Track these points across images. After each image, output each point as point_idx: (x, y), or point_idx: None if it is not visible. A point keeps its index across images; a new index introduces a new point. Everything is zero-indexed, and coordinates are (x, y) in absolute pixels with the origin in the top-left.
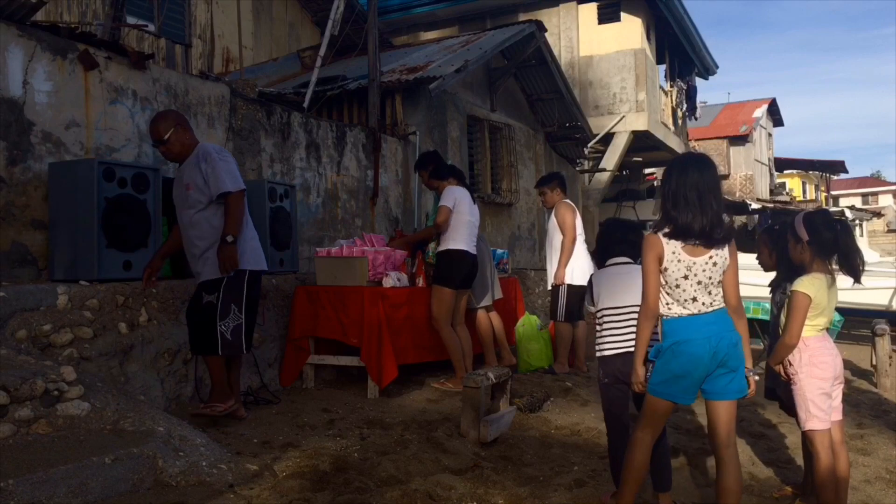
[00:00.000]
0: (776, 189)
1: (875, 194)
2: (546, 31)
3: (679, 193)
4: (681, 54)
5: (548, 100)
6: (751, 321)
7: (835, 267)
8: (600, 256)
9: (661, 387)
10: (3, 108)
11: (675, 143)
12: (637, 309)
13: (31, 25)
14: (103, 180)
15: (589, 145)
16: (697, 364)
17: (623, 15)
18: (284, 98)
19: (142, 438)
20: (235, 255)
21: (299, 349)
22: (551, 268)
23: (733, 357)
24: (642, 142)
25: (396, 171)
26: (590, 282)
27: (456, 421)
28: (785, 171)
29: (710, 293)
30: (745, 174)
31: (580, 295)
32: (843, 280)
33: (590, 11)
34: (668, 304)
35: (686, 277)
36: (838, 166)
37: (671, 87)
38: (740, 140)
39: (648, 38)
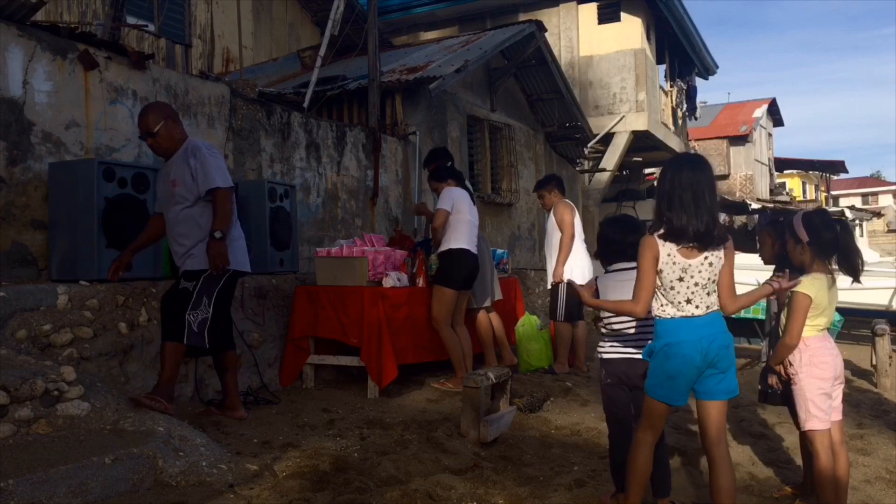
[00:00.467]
0: (776, 189)
1: (875, 194)
2: (546, 31)
3: (673, 194)
4: (681, 54)
5: (548, 100)
6: (751, 321)
7: (834, 267)
8: (606, 258)
9: (657, 388)
10: (3, 108)
11: (675, 143)
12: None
13: (31, 25)
14: (103, 180)
15: (589, 145)
16: (689, 365)
17: (623, 15)
18: (284, 98)
19: (142, 438)
20: (225, 250)
21: (299, 349)
22: (550, 268)
23: (724, 358)
24: (642, 142)
25: (396, 171)
26: (595, 286)
27: (456, 421)
28: (785, 171)
29: (707, 294)
30: (745, 174)
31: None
32: (843, 280)
33: (590, 11)
34: (662, 304)
35: (681, 279)
36: (838, 166)
37: (671, 87)
38: (740, 140)
39: (648, 38)
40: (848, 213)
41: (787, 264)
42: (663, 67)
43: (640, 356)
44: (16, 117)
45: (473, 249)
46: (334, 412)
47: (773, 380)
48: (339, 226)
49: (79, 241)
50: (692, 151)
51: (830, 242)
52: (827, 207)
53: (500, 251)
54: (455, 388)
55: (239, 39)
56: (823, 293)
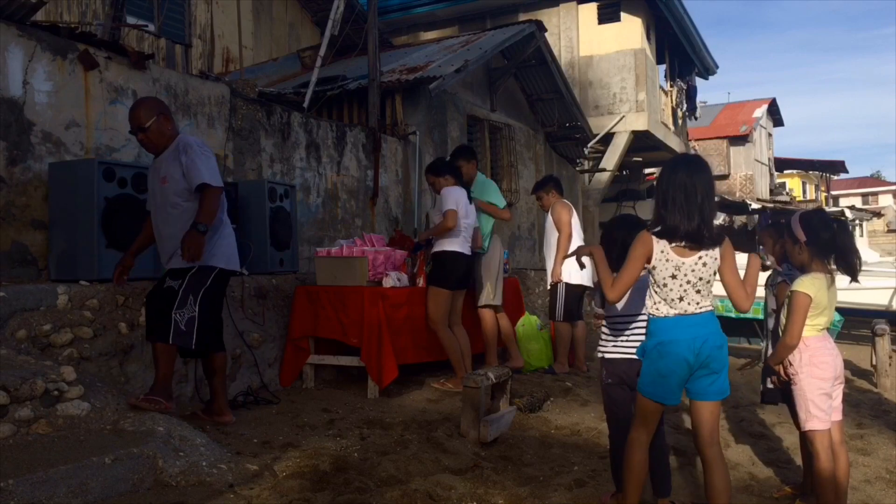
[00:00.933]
0: (776, 189)
1: (875, 194)
2: (546, 31)
3: (668, 194)
4: (681, 54)
5: (548, 100)
6: (751, 321)
7: (833, 267)
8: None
9: (649, 387)
10: (3, 108)
11: (675, 143)
12: (646, 315)
13: (31, 25)
14: (103, 180)
15: (589, 145)
16: (681, 364)
17: (623, 15)
18: (284, 98)
19: (142, 438)
20: (202, 244)
21: (299, 349)
22: (549, 268)
23: (716, 359)
24: (642, 142)
25: (396, 171)
26: (598, 284)
27: (456, 421)
28: (785, 171)
29: (699, 292)
30: (745, 174)
31: (578, 294)
32: (843, 280)
33: (590, 11)
34: (655, 302)
35: (674, 277)
36: (838, 166)
37: (671, 87)
38: (740, 140)
39: (648, 38)
40: (848, 213)
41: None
42: (663, 67)
43: (635, 357)
44: (16, 117)
45: (466, 251)
46: (334, 412)
47: (772, 379)
48: (339, 226)
49: (79, 241)
50: (692, 151)
51: (828, 242)
52: (827, 207)
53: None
54: (455, 388)
55: (239, 39)
56: (823, 293)
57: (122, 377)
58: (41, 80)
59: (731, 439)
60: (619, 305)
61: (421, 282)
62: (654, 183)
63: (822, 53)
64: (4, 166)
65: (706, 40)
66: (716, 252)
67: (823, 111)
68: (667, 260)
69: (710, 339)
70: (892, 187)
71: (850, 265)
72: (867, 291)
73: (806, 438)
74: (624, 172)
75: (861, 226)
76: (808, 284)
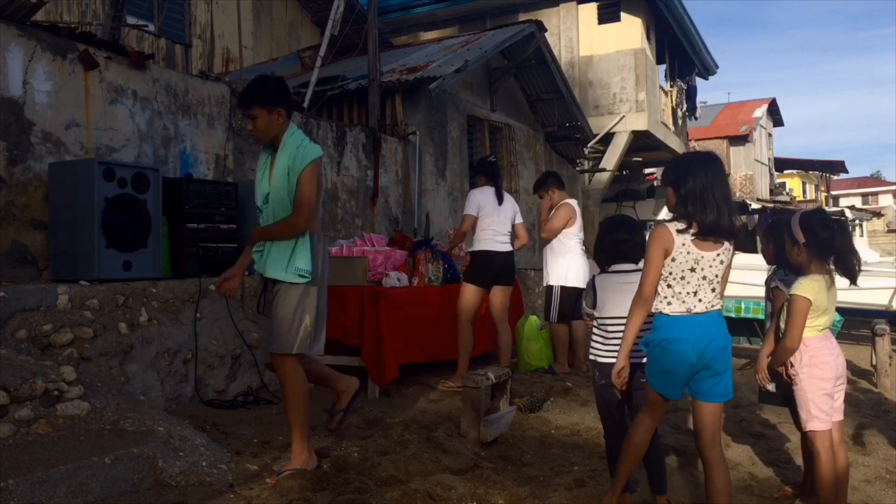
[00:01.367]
0: (776, 189)
1: (875, 194)
2: (546, 31)
3: (691, 191)
4: (681, 54)
5: (548, 100)
6: (751, 321)
7: (832, 267)
8: (603, 258)
9: (653, 379)
10: (3, 108)
11: (675, 143)
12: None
13: (31, 25)
14: (103, 180)
15: (589, 145)
16: (684, 363)
17: (623, 15)
18: None
19: (142, 438)
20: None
21: None
22: (548, 268)
23: (720, 360)
24: (642, 142)
25: (396, 171)
26: (592, 284)
27: (456, 421)
28: (785, 171)
29: (713, 290)
30: (745, 174)
31: (573, 296)
32: (843, 279)
33: (590, 11)
34: (666, 297)
35: (693, 270)
36: (838, 166)
37: (671, 87)
38: (740, 140)
39: (648, 38)
40: (848, 213)
41: (785, 265)
42: (663, 67)
43: (633, 359)
44: (16, 117)
45: (500, 248)
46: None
47: (763, 378)
48: (339, 226)
49: (79, 241)
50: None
51: (826, 243)
52: (827, 207)
53: None
54: (455, 387)
55: (239, 39)
56: (822, 294)
57: (122, 377)
58: (41, 80)
59: (731, 439)
60: (607, 308)
61: (417, 281)
62: (660, 182)
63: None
64: (4, 166)
65: (706, 40)
66: (730, 249)
67: (823, 111)
68: (688, 252)
69: (716, 340)
70: (892, 187)
71: (849, 267)
72: (867, 291)
73: (807, 439)
74: (624, 172)
75: (861, 226)
76: (806, 287)
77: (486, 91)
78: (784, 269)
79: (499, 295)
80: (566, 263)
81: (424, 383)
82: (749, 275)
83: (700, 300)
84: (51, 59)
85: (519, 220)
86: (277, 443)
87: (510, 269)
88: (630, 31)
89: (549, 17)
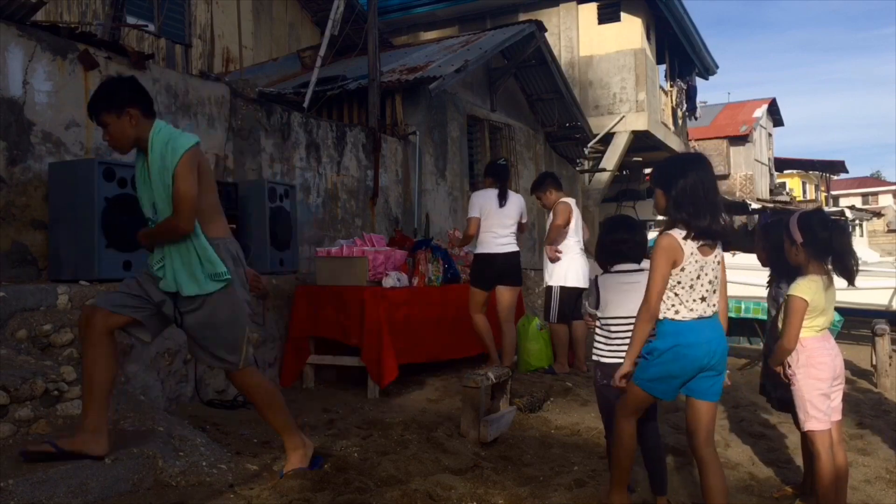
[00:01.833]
0: (776, 189)
1: (875, 194)
2: (546, 31)
3: (686, 195)
4: (681, 54)
5: (548, 100)
6: (751, 321)
7: (830, 268)
8: (606, 258)
9: (652, 383)
10: (3, 108)
11: (675, 143)
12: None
13: (31, 25)
14: (103, 180)
15: (589, 145)
16: (695, 367)
17: (623, 15)
18: (284, 98)
19: (142, 438)
20: None
21: (299, 349)
22: (547, 268)
23: (722, 361)
24: (642, 142)
25: (396, 171)
26: (595, 284)
27: (456, 421)
28: (785, 171)
29: (715, 292)
30: (745, 174)
31: (573, 296)
32: (842, 280)
33: (590, 11)
34: (673, 305)
35: (699, 277)
36: (838, 166)
37: (671, 87)
38: (740, 140)
39: (648, 38)
40: (848, 213)
41: (780, 265)
42: (663, 67)
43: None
44: (16, 117)
45: (500, 250)
46: (334, 412)
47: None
48: (339, 226)
49: (79, 241)
50: (692, 150)
51: (824, 243)
52: (827, 207)
53: None
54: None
55: (239, 39)
56: (820, 295)
57: (122, 377)
58: (41, 80)
59: (731, 439)
60: (610, 308)
61: (417, 282)
62: (652, 181)
63: (822, 53)
64: (4, 166)
65: (706, 40)
66: (721, 250)
67: (823, 111)
68: (696, 261)
69: (721, 343)
70: (892, 187)
71: (847, 268)
72: (867, 291)
73: (806, 438)
74: (624, 172)
75: (861, 226)
76: (804, 288)
77: (486, 91)
78: (780, 280)
79: (504, 295)
80: (566, 264)
81: (424, 383)
82: (749, 275)
83: (708, 304)
84: (51, 59)
85: (525, 218)
86: (277, 443)
87: (514, 269)
88: (630, 31)
89: (549, 17)
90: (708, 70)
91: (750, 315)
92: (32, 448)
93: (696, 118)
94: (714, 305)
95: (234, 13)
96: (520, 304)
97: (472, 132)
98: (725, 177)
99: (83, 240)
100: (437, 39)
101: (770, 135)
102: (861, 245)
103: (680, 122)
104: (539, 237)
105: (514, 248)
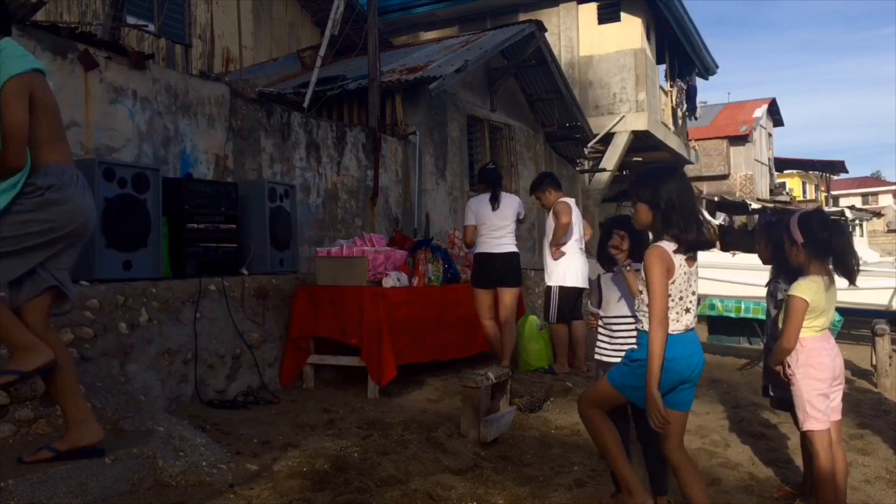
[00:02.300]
0: (776, 189)
1: (875, 194)
2: (546, 31)
3: (674, 209)
4: (681, 54)
5: (548, 100)
6: (751, 321)
7: (831, 268)
8: (606, 258)
9: (635, 391)
10: None
11: (675, 143)
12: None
13: (31, 25)
14: (103, 180)
15: (589, 145)
16: (676, 380)
17: (623, 15)
18: (284, 98)
19: (142, 438)
20: None
21: (299, 349)
22: (547, 269)
23: (699, 375)
24: (642, 142)
25: (396, 171)
26: (598, 284)
27: (456, 421)
28: (785, 171)
29: (696, 303)
30: (745, 174)
31: (573, 296)
32: (843, 280)
33: (590, 11)
34: None
35: (686, 288)
36: (838, 166)
37: (671, 87)
38: (740, 140)
39: (648, 38)
40: (848, 213)
41: (781, 265)
42: (663, 67)
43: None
44: None
45: (495, 250)
46: (334, 412)
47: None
48: (339, 226)
49: None
50: (693, 151)
51: (824, 244)
52: (827, 207)
53: None
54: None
55: (239, 39)
56: (820, 295)
57: (122, 377)
58: None
59: (731, 439)
60: (612, 306)
61: (417, 281)
62: (630, 195)
63: (822, 53)
64: None
65: (706, 40)
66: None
67: (823, 111)
68: (684, 272)
69: (702, 357)
70: (892, 187)
71: (848, 268)
72: (867, 291)
73: (806, 438)
74: (624, 172)
75: (861, 226)
76: (804, 289)
77: (486, 91)
78: (781, 278)
79: (504, 296)
80: (565, 264)
81: (424, 383)
82: (749, 275)
83: (692, 315)
84: (51, 59)
85: (522, 215)
86: (277, 443)
87: (513, 270)
88: (630, 31)
89: (549, 17)
90: (708, 70)
91: (750, 315)
92: (29, 459)
93: (696, 118)
94: (695, 318)
95: (234, 13)
96: (520, 304)
97: (472, 132)
98: (725, 177)
99: None
100: (437, 39)
101: (770, 135)
102: (861, 245)
103: (680, 122)
104: (539, 238)
105: (513, 248)
